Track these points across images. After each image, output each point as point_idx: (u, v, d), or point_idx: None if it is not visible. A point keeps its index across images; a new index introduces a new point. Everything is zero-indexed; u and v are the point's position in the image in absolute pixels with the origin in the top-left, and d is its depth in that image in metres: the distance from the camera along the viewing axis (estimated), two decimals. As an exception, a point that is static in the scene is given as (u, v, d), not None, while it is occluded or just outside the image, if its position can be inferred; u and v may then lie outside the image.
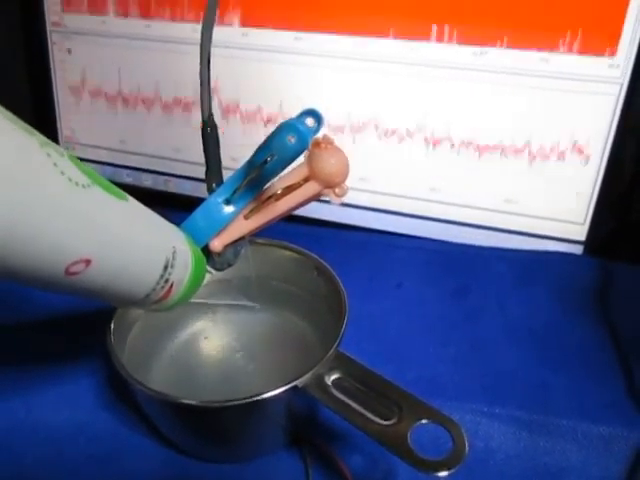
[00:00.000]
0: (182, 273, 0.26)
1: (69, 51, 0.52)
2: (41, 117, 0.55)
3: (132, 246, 0.23)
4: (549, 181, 0.42)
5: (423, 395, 0.25)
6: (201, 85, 0.29)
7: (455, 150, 0.44)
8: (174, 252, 0.25)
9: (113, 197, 0.22)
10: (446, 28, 0.41)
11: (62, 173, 0.19)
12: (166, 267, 0.25)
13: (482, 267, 0.43)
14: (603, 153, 0.41)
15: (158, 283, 0.25)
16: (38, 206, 0.18)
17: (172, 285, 0.26)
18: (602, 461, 0.30)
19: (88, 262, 0.20)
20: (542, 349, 0.36)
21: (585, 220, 0.43)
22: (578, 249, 0.44)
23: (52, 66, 0.53)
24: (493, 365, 0.35)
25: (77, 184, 0.19)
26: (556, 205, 0.43)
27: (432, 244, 0.46)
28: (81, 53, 0.52)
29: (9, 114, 0.18)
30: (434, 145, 0.44)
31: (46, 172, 0.18)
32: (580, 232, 0.43)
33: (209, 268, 0.30)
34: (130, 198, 0.24)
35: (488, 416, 0.31)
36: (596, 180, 0.41)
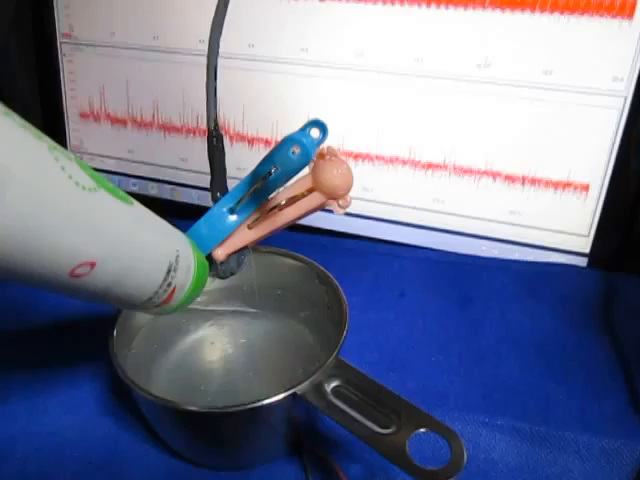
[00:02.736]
0: (185, 277, 0.26)
1: (78, 62, 0.53)
2: (50, 126, 0.55)
3: (136, 249, 0.23)
4: (553, 193, 0.42)
5: (424, 405, 0.25)
6: (207, 96, 0.29)
7: (459, 167, 0.44)
8: (177, 256, 0.26)
9: (119, 201, 0.22)
10: None
11: (70, 177, 0.19)
12: (169, 271, 0.25)
13: (485, 278, 0.43)
14: (607, 165, 0.41)
15: (161, 286, 0.25)
16: (46, 209, 0.18)
17: (174, 289, 0.26)
18: (604, 474, 0.29)
19: (93, 265, 0.20)
20: (544, 360, 0.36)
21: (589, 232, 0.43)
22: (582, 261, 0.44)
23: (62, 76, 0.54)
24: (495, 376, 0.35)
25: (84, 188, 0.20)
26: (560, 217, 0.43)
27: (435, 254, 0.46)
28: (90, 64, 0.52)
29: (19, 119, 0.18)
30: (436, 166, 0.44)
31: (54, 176, 0.18)
32: (584, 244, 0.43)
33: (210, 274, 0.30)
34: (135, 202, 0.24)
35: (489, 427, 0.31)
36: (600, 192, 0.41)
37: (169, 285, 0.25)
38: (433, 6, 0.41)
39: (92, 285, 0.21)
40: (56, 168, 0.18)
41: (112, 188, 0.22)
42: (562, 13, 0.38)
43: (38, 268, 0.19)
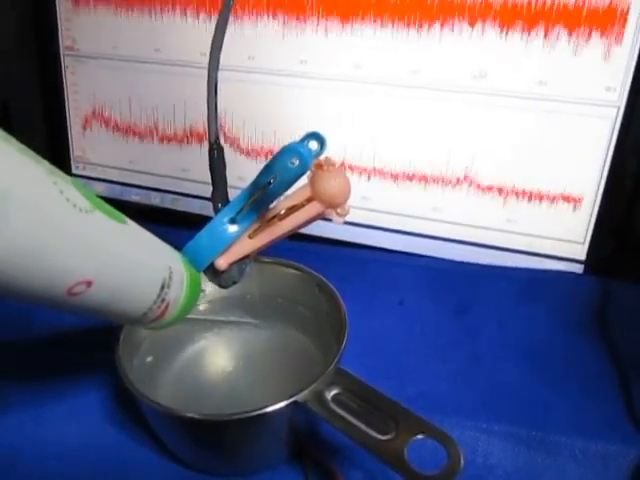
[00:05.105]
0: (178, 293, 0.27)
1: (81, 74, 0.53)
2: (54, 138, 0.56)
3: (131, 267, 0.24)
4: (549, 201, 0.43)
5: (423, 411, 0.26)
6: (208, 110, 0.30)
7: (456, 177, 0.45)
8: (171, 272, 0.26)
9: (114, 221, 0.23)
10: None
11: (67, 200, 0.20)
12: (163, 287, 0.26)
13: (482, 285, 0.43)
14: (602, 173, 0.41)
15: (155, 302, 0.26)
16: (45, 230, 0.19)
17: (168, 304, 0.27)
18: (600, 478, 0.30)
19: (89, 283, 0.21)
20: (542, 366, 0.36)
21: (585, 239, 0.43)
22: (578, 268, 0.44)
23: (65, 88, 0.54)
24: (493, 382, 0.35)
25: (81, 209, 0.20)
26: (556, 224, 0.43)
27: (433, 262, 0.46)
28: (93, 76, 0.53)
29: (18, 144, 0.19)
30: (434, 176, 0.45)
31: (53, 198, 0.19)
32: (580, 251, 0.44)
33: (203, 287, 0.31)
34: (129, 221, 0.25)
35: (487, 432, 0.32)
36: (595, 200, 0.42)
37: (163, 301, 0.26)
38: (429, 23, 0.42)
39: (88, 302, 0.22)
40: (54, 191, 0.19)
41: (107, 209, 0.23)
42: (556, 27, 0.39)
43: (36, 287, 0.20)
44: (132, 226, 0.25)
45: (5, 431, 0.32)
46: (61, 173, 0.20)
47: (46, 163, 0.20)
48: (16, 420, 0.33)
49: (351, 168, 0.47)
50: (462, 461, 0.24)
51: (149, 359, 0.33)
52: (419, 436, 0.25)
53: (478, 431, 0.32)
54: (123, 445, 0.32)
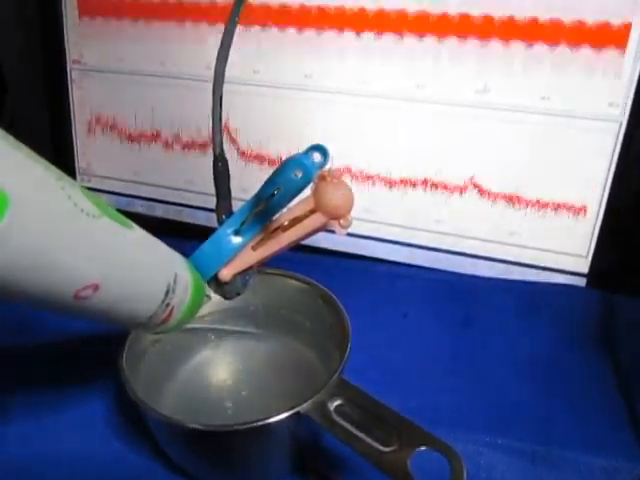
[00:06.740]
0: (182, 298, 0.27)
1: (87, 87, 0.54)
2: (60, 150, 0.56)
3: (137, 272, 0.24)
4: (552, 215, 0.43)
5: (426, 424, 0.26)
6: (213, 123, 0.30)
7: (458, 189, 0.45)
8: (175, 277, 0.27)
9: (120, 226, 0.23)
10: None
11: (75, 205, 0.20)
12: (168, 292, 0.26)
13: (486, 298, 0.43)
14: (604, 188, 0.41)
15: (160, 307, 0.26)
16: (54, 236, 0.19)
17: (172, 309, 0.27)
18: (604, 493, 0.30)
19: (96, 287, 0.21)
20: (545, 380, 0.36)
21: (588, 253, 0.43)
22: (581, 281, 0.44)
23: (71, 101, 0.55)
24: (496, 396, 0.35)
25: (88, 215, 0.21)
26: (559, 238, 0.44)
27: (437, 274, 0.46)
28: (99, 89, 0.54)
29: (28, 151, 0.19)
30: (436, 188, 0.45)
31: (61, 204, 0.19)
32: (583, 265, 0.44)
33: (208, 293, 0.31)
34: (136, 226, 0.25)
35: (490, 446, 0.31)
36: (598, 214, 0.42)
37: (167, 305, 0.26)
38: (433, 36, 0.42)
39: (94, 306, 0.22)
40: (63, 197, 0.20)
41: (114, 214, 0.23)
42: (558, 42, 0.40)
43: (43, 290, 0.20)
44: (138, 231, 0.25)
45: (7, 441, 0.32)
46: (69, 179, 0.21)
47: (55, 169, 0.20)
48: (19, 430, 0.33)
49: (354, 179, 0.47)
50: (465, 474, 0.23)
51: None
52: (422, 448, 0.25)
53: (481, 445, 0.31)
54: (126, 455, 0.32)
